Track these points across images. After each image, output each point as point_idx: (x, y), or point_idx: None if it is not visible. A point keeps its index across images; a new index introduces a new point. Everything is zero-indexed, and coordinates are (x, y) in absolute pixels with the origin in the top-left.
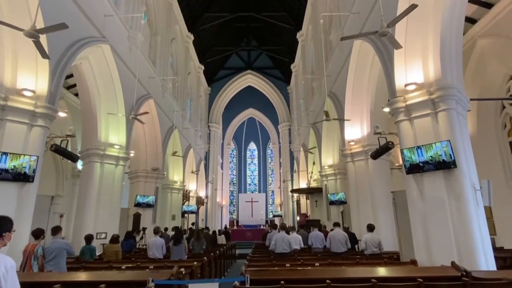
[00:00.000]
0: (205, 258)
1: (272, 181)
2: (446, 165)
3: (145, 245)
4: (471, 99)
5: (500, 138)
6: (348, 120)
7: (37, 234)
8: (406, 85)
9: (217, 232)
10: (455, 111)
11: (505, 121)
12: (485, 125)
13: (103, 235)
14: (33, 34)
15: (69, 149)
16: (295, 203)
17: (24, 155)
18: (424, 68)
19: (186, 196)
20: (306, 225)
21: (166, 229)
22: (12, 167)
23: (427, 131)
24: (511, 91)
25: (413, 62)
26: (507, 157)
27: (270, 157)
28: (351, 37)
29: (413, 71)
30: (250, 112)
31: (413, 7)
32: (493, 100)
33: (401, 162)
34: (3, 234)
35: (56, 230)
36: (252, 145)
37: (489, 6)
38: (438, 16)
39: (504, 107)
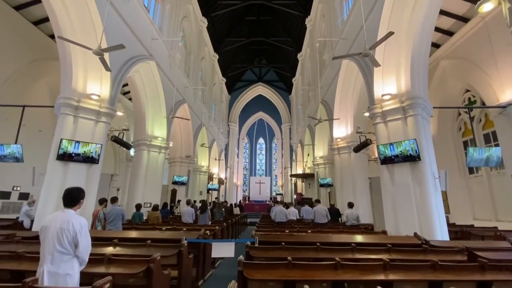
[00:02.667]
0: (224, 224)
1: (276, 168)
2: (412, 158)
3: (180, 213)
4: (434, 107)
5: (456, 138)
6: (338, 119)
7: (101, 201)
8: (382, 95)
9: (233, 205)
10: (421, 116)
11: (460, 125)
12: (444, 128)
13: (148, 205)
14: (99, 52)
15: (125, 139)
16: (293, 185)
17: (91, 143)
18: (397, 82)
19: (210, 177)
20: (301, 202)
21: (194, 201)
22: (83, 152)
23: (398, 131)
24: (466, 101)
25: (388, 77)
26: (460, 153)
27: (275, 149)
28: (341, 57)
29: (388, 84)
30: (260, 115)
31: (390, 34)
32: (451, 108)
33: (376, 155)
34: (80, 200)
35: (114, 199)
36: (261, 140)
37: (450, 34)
38: (410, 42)
39: (460, 114)
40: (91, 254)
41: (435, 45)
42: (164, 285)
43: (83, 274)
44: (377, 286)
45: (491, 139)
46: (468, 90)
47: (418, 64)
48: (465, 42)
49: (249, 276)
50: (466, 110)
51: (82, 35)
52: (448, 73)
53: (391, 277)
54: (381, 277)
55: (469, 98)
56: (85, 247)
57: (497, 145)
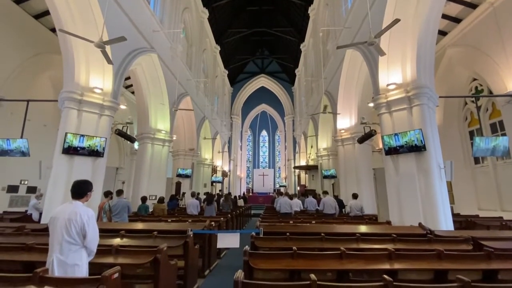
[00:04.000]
0: (229, 215)
1: (279, 160)
2: (417, 149)
3: (185, 205)
4: (440, 97)
5: (462, 128)
6: (339, 114)
7: (106, 194)
8: (387, 85)
9: (237, 197)
10: (427, 106)
11: (467, 115)
12: (450, 118)
13: (153, 197)
14: (101, 45)
15: (128, 133)
16: (296, 176)
17: (96, 136)
18: (403, 71)
19: (214, 170)
20: (305, 193)
21: (198, 193)
22: (88, 145)
23: (403, 122)
24: (473, 90)
25: (394, 66)
26: (466, 143)
27: (278, 141)
28: (345, 46)
29: (394, 74)
30: (263, 107)
31: (396, 21)
32: (457, 98)
33: (380, 146)
34: (88, 193)
35: (119, 192)
36: (264, 132)
37: (458, 21)
38: (416, 29)
39: (466, 103)
40: (99, 245)
41: (442, 33)
42: (171, 275)
43: (91, 265)
44: (382, 275)
45: (497, 128)
46: (475, 79)
47: (425, 53)
48: (473, 29)
49: (254, 265)
50: (473, 99)
51: (83, 28)
52: (454, 62)
53: (396, 266)
54: (386, 266)
55: (476, 87)
56: (93, 238)
57: (504, 134)
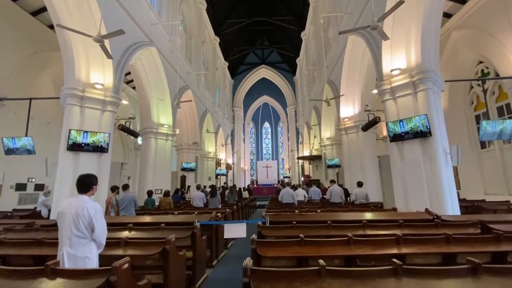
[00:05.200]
0: (235, 206)
1: (282, 151)
2: (423, 134)
3: (190, 198)
4: (445, 81)
5: (467, 112)
6: (342, 95)
7: (113, 189)
8: (391, 70)
9: (242, 189)
10: (432, 91)
11: (472, 99)
12: (455, 102)
13: (159, 191)
14: (99, 39)
15: (131, 128)
16: (300, 167)
17: (99, 132)
18: (407, 55)
19: (218, 163)
20: (309, 183)
21: (204, 186)
22: (92, 141)
23: (408, 107)
24: (479, 73)
25: (397, 51)
26: (472, 127)
27: (280, 133)
28: (348, 31)
29: (398, 59)
30: (264, 99)
31: (400, 2)
32: (463, 81)
33: (384, 134)
34: (93, 186)
35: (125, 186)
36: (266, 124)
37: (463, 2)
38: (420, 11)
39: (472, 87)
40: (108, 238)
41: (447, 15)
42: (180, 265)
43: (102, 257)
44: (392, 259)
45: (504, 111)
46: (481, 62)
47: (429, 35)
48: (479, 10)
49: (262, 253)
50: (479, 83)
51: (81, 23)
52: (460, 45)
53: (404, 250)
54: (394, 251)
55: (482, 70)
56: (101, 231)
57: (511, 117)
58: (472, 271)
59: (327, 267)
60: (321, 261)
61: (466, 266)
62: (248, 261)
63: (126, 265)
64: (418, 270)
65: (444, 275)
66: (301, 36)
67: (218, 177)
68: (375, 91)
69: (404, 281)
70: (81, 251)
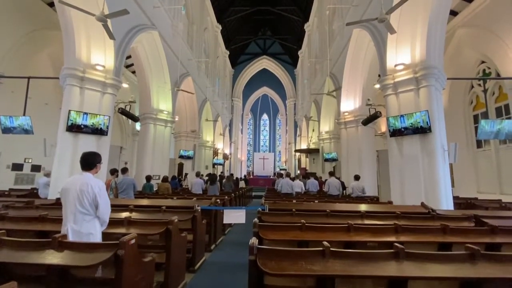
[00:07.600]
0: (233, 194)
1: (279, 144)
2: (422, 130)
3: (187, 185)
4: (448, 78)
5: (466, 111)
6: (340, 88)
7: (112, 172)
8: (395, 65)
9: (239, 179)
10: (434, 87)
11: (472, 98)
12: (455, 101)
13: (157, 177)
14: (102, 19)
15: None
16: (297, 160)
17: (99, 115)
18: (412, 51)
19: (215, 152)
20: (306, 175)
21: (202, 174)
22: (91, 123)
23: (410, 103)
24: (480, 73)
25: (402, 46)
26: (470, 127)
27: (279, 125)
28: (355, 22)
29: (402, 54)
30: (264, 90)
31: None
32: (464, 80)
33: (383, 130)
34: (97, 164)
35: (124, 170)
36: (265, 116)
37: (469, 0)
38: (428, 7)
39: (472, 86)
40: (110, 218)
41: (453, 13)
42: (182, 246)
43: (104, 235)
44: (394, 243)
45: (503, 112)
46: (483, 62)
47: (435, 31)
48: (485, 9)
49: (264, 236)
50: (480, 82)
51: (83, 1)
52: (463, 43)
53: (402, 238)
54: (393, 238)
55: (484, 70)
56: (105, 208)
57: (508, 118)
58: (470, 257)
59: (331, 249)
60: (325, 243)
61: (465, 252)
62: (254, 240)
63: (133, 241)
64: (419, 254)
65: (444, 259)
66: (305, 27)
67: (215, 166)
68: (377, 86)
69: (405, 264)
70: (85, 227)
